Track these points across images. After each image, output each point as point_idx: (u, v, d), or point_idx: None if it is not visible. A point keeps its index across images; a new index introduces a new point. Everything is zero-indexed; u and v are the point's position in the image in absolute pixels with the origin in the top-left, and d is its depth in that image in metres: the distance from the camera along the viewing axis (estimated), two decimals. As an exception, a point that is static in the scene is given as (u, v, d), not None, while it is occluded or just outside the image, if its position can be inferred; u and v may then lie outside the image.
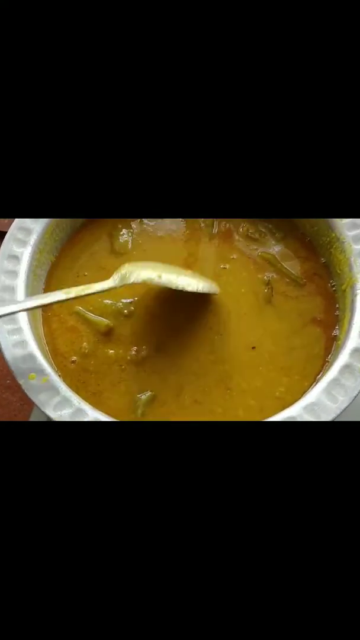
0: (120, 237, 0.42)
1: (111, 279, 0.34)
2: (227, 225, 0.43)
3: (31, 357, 0.32)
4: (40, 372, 0.32)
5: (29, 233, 0.38)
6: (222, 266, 0.40)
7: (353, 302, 0.35)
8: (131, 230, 0.42)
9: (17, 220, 0.38)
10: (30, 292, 0.36)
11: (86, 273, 0.40)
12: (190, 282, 0.36)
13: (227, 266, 0.40)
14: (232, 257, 0.41)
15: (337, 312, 0.38)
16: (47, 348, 0.36)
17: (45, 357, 0.34)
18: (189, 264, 0.40)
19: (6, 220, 0.48)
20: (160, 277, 0.34)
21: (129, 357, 0.36)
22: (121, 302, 0.38)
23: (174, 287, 0.35)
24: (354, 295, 0.35)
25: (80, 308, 0.38)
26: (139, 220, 0.43)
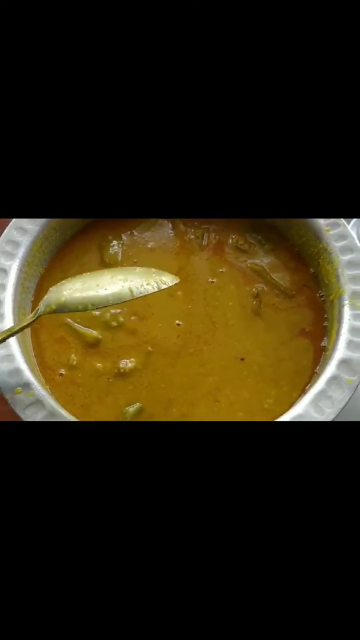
0: (110, 249, 0.42)
1: (33, 312, 0.32)
2: (217, 236, 0.43)
3: (18, 371, 0.32)
4: (27, 386, 0.32)
5: (17, 246, 0.38)
6: (210, 280, 0.40)
7: (340, 312, 0.35)
8: (121, 242, 0.43)
9: (5, 233, 0.38)
10: (19, 305, 0.36)
11: (76, 285, 0.40)
12: (131, 287, 0.32)
13: (215, 280, 0.40)
14: (220, 270, 0.41)
15: (325, 323, 0.38)
16: (35, 361, 0.36)
17: (33, 370, 0.34)
18: (180, 278, 0.40)
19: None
20: (89, 306, 0.30)
21: (116, 370, 0.36)
22: (110, 312, 0.38)
23: (110, 304, 0.31)
24: (341, 306, 0.35)
25: (69, 320, 0.38)
26: (129, 231, 0.43)
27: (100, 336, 0.37)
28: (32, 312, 0.38)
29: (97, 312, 0.38)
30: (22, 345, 0.35)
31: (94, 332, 0.37)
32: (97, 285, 0.32)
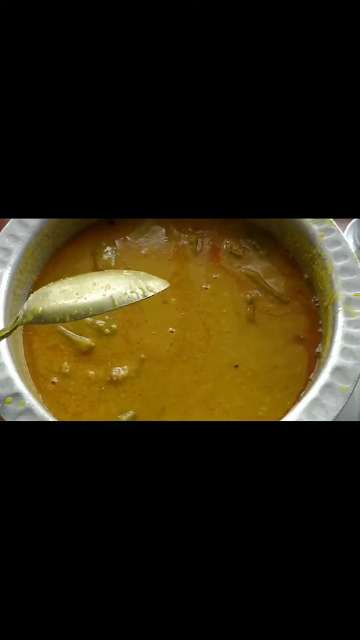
0: (103, 255, 0.42)
1: (12, 320, 0.31)
2: (211, 242, 0.43)
3: (8, 380, 0.32)
4: (18, 396, 0.31)
5: (8, 253, 0.37)
6: (204, 286, 0.40)
7: (334, 319, 0.35)
8: (115, 248, 0.42)
9: (-3, 241, 0.38)
10: (10, 312, 0.36)
11: (69, 291, 0.40)
12: (114, 296, 0.30)
13: (209, 286, 0.40)
14: (214, 276, 0.40)
15: (320, 330, 0.38)
16: (27, 369, 0.36)
17: (25, 379, 0.33)
18: (174, 284, 0.40)
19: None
20: (67, 317, 0.29)
21: (109, 378, 0.35)
22: (103, 319, 0.38)
23: (90, 315, 0.30)
24: (335, 313, 0.35)
25: (62, 327, 0.38)
26: (122, 237, 0.43)
27: (93, 343, 0.37)
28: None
29: (89, 319, 0.38)
30: (13, 353, 0.34)
31: (87, 339, 0.37)
32: (77, 294, 0.30)
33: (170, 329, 0.38)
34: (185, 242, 0.43)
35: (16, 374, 0.32)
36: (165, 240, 0.43)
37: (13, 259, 0.37)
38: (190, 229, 0.44)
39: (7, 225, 0.39)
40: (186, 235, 0.43)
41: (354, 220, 0.53)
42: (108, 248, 0.42)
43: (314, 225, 0.39)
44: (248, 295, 0.39)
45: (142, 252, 0.42)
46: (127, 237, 0.43)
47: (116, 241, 0.43)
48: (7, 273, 0.37)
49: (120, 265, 0.41)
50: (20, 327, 0.38)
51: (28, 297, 0.39)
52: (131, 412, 0.34)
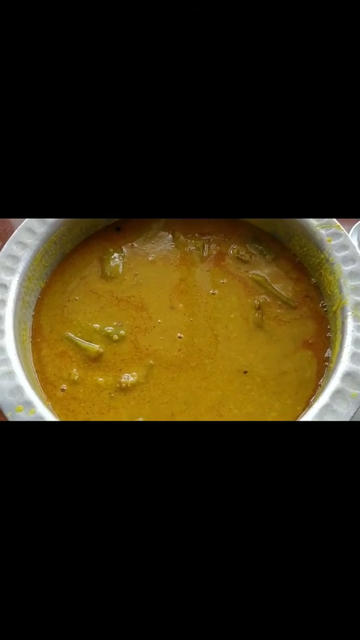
0: (111, 261, 0.42)
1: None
2: (217, 247, 0.43)
3: (19, 389, 0.32)
4: (28, 404, 0.31)
5: (17, 261, 0.38)
6: (211, 292, 0.40)
7: (344, 324, 0.35)
8: (122, 254, 0.42)
9: (5, 248, 0.38)
10: (19, 320, 0.36)
11: (77, 297, 0.40)
12: None
13: (216, 291, 0.40)
14: (222, 281, 0.40)
15: (328, 334, 0.37)
16: (36, 376, 0.36)
17: (34, 386, 0.33)
18: (181, 290, 0.40)
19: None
20: None
21: (117, 385, 0.35)
22: (112, 325, 0.38)
23: None
24: (344, 317, 0.35)
25: (70, 333, 0.38)
26: (129, 244, 0.43)
27: (102, 350, 0.37)
28: (33, 326, 0.38)
29: (97, 325, 0.38)
30: (22, 360, 0.34)
31: (96, 346, 0.37)
32: None
33: (179, 334, 0.38)
34: (192, 248, 0.43)
35: (26, 382, 0.32)
36: (172, 246, 0.43)
37: (21, 267, 0.37)
38: (196, 235, 0.44)
39: (16, 232, 0.39)
40: (193, 241, 0.43)
41: (359, 222, 0.53)
42: (115, 254, 0.42)
43: (321, 230, 0.39)
44: (256, 301, 0.39)
45: (149, 258, 0.42)
46: (134, 244, 0.43)
47: (123, 247, 0.43)
48: (15, 281, 0.37)
49: (128, 271, 0.42)
50: (29, 335, 0.38)
51: (36, 304, 0.40)
52: (140, 418, 0.34)
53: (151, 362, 0.36)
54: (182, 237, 0.43)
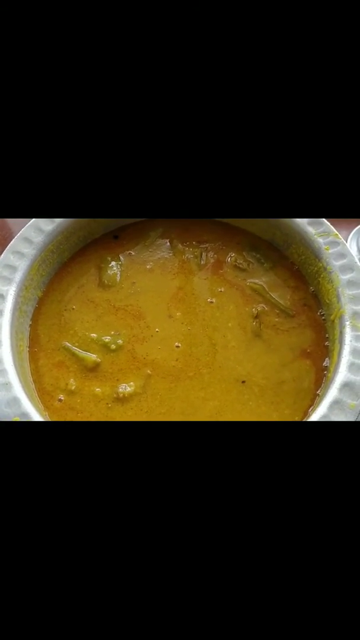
0: (108, 270, 0.42)
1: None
2: (215, 255, 0.43)
3: (15, 400, 0.32)
4: (25, 415, 0.31)
5: (14, 270, 0.37)
6: (209, 300, 0.40)
7: (342, 333, 0.35)
8: (120, 263, 0.42)
9: (1, 258, 0.38)
10: (16, 330, 0.36)
11: (74, 306, 0.40)
12: None
13: (214, 300, 0.40)
14: (219, 290, 0.40)
15: (327, 343, 0.37)
16: (33, 386, 0.36)
17: (31, 397, 0.33)
18: (179, 298, 0.40)
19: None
20: None
21: (115, 395, 0.35)
22: (109, 335, 0.38)
23: None
24: (342, 327, 0.35)
25: (67, 343, 0.38)
26: (127, 252, 0.43)
27: (99, 359, 0.37)
28: (30, 336, 0.38)
29: (94, 335, 0.38)
30: (20, 371, 0.34)
31: (93, 355, 0.37)
32: None
33: (176, 343, 0.38)
34: (190, 256, 0.43)
35: (23, 394, 0.32)
36: (170, 254, 0.43)
37: (18, 277, 0.37)
38: (194, 243, 0.43)
39: (13, 242, 0.39)
40: (190, 249, 0.43)
41: (358, 227, 0.53)
42: (113, 262, 0.42)
43: (319, 239, 0.39)
44: (254, 309, 0.39)
45: (147, 266, 0.42)
46: (132, 252, 0.43)
47: (121, 255, 0.43)
48: (12, 290, 0.37)
49: (125, 279, 0.41)
50: (26, 345, 0.38)
51: (34, 313, 0.39)
52: (138, 429, 0.34)
53: (149, 371, 0.36)
54: (180, 245, 0.43)
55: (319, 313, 0.39)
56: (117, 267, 0.42)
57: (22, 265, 0.38)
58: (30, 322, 0.39)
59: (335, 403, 0.31)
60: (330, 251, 0.38)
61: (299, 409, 0.35)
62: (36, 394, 0.35)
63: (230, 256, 0.42)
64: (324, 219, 0.39)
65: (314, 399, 0.35)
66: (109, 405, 0.35)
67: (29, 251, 0.39)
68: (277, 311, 0.39)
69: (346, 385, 0.32)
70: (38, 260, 0.39)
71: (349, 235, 0.54)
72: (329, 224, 0.39)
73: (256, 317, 0.39)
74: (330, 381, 0.33)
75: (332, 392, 0.32)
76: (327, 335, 0.38)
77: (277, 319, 0.39)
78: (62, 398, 0.35)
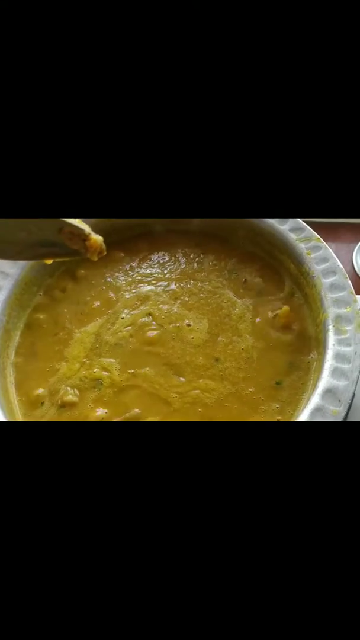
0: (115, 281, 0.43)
1: None
2: (213, 262, 0.43)
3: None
4: None
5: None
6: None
7: (325, 339, 0.34)
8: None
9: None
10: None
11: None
12: None
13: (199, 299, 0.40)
14: (217, 297, 0.40)
15: (312, 351, 0.36)
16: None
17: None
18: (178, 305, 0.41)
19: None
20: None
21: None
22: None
23: None
24: (325, 332, 0.34)
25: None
26: (127, 265, 0.44)
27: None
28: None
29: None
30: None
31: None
32: None
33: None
34: (187, 266, 0.43)
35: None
36: (169, 264, 0.43)
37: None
38: (192, 255, 0.44)
39: None
40: (191, 256, 0.44)
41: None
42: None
43: (300, 244, 0.38)
44: (247, 314, 0.39)
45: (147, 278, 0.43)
46: (132, 264, 0.43)
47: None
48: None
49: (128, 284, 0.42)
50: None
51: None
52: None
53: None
54: (178, 253, 0.44)
55: (305, 318, 0.38)
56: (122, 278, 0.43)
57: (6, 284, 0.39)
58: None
59: (317, 410, 0.30)
60: (312, 256, 0.37)
61: (287, 417, 0.34)
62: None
63: (227, 264, 0.43)
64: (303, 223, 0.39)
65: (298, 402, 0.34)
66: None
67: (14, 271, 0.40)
68: (266, 318, 0.39)
69: (329, 392, 0.31)
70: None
71: (354, 248, 0.53)
72: (310, 229, 0.39)
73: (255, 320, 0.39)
74: (313, 388, 0.32)
75: (314, 399, 0.31)
76: (312, 342, 0.37)
77: (265, 327, 0.38)
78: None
